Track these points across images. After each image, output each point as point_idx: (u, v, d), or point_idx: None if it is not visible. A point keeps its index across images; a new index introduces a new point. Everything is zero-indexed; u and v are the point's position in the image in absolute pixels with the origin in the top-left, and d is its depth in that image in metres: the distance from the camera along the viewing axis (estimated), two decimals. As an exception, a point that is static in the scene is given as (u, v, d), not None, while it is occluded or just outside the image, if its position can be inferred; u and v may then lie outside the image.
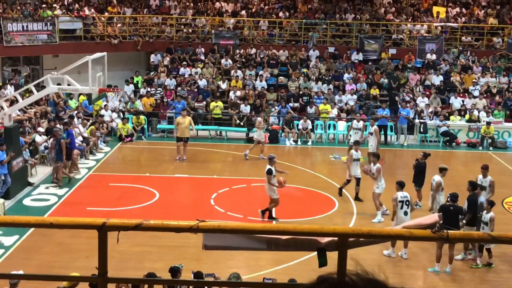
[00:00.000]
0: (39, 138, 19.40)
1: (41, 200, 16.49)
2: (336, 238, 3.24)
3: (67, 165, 17.87)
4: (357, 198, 16.49)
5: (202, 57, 28.63)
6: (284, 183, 14.95)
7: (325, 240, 3.43)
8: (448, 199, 12.96)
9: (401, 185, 13.34)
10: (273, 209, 15.02)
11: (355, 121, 21.29)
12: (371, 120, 20.63)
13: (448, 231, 3.13)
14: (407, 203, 13.06)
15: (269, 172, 14.83)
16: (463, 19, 30.47)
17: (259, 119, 21.60)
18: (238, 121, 24.74)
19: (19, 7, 26.42)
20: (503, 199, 16.65)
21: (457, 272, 12.58)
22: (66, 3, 29.01)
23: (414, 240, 2.74)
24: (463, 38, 29.60)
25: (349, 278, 1.77)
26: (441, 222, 10.80)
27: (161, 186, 17.72)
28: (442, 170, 14.58)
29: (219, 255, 11.89)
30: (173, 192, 17.66)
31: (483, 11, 30.97)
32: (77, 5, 28.88)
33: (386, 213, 15.15)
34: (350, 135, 21.32)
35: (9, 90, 22.02)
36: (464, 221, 12.77)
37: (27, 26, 25.77)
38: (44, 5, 27.27)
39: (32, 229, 13.32)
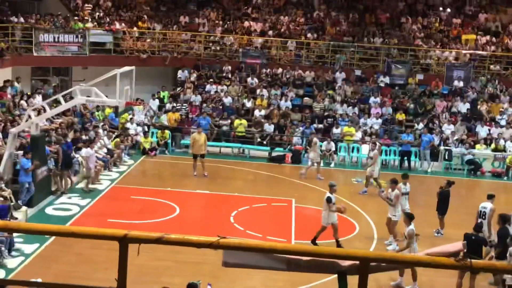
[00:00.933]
0: (64, 148, 19.59)
1: (63, 209, 16.61)
2: (357, 262, 3.20)
3: (64, 174, 17.98)
4: None
5: (229, 75, 28.79)
6: (344, 210, 14.65)
7: (346, 263, 3.38)
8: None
9: (410, 218, 12.65)
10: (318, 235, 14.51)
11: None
12: (372, 144, 20.81)
13: (472, 260, 3.07)
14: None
15: (329, 200, 14.40)
16: (492, 47, 30.25)
17: (314, 139, 21.60)
18: (259, 140, 24.73)
19: (51, 19, 26.91)
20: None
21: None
22: (97, 16, 29.48)
23: (436, 268, 2.70)
24: (491, 66, 29.36)
25: None
26: (465, 250, 10.58)
27: (182, 201, 17.74)
28: (492, 197, 14.33)
29: (236, 274, 11.81)
30: (193, 207, 17.67)
31: (513, 40, 30.73)
32: (108, 19, 29.33)
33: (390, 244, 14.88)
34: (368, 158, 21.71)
35: (37, 100, 22.34)
36: (493, 255, 12.52)
37: (58, 38, 26.21)
38: (76, 18, 27.73)
39: (53, 238, 13.40)
